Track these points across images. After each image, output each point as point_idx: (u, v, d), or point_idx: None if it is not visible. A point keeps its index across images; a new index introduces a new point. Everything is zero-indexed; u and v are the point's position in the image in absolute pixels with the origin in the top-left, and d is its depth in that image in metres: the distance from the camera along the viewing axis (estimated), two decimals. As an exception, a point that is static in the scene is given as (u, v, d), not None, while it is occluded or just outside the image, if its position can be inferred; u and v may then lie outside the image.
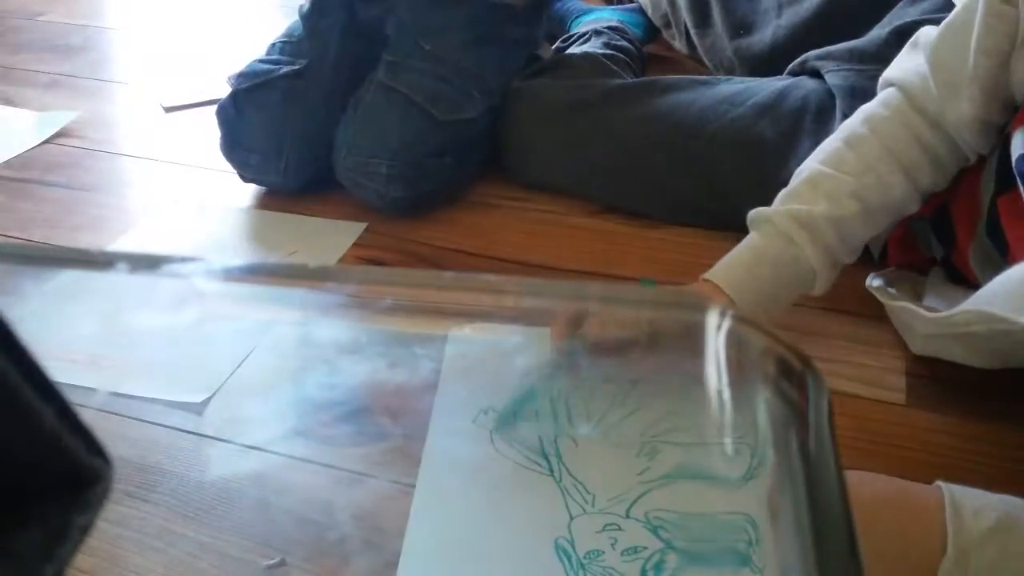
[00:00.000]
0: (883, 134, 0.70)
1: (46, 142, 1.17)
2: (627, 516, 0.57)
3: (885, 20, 0.94)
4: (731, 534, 0.54)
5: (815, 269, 0.69)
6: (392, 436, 0.63)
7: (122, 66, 1.48)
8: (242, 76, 1.01)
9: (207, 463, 0.66)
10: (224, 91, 1.03)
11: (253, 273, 0.30)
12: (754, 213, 0.71)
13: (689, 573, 0.54)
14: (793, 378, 0.24)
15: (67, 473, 0.21)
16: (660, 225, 0.95)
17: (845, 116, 0.79)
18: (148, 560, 0.58)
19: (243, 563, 0.57)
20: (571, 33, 1.28)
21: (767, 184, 0.75)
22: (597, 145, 0.97)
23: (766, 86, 0.96)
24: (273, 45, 1.04)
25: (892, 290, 0.77)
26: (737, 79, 1.02)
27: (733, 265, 0.69)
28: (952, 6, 0.71)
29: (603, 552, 0.55)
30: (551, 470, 0.61)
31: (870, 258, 0.81)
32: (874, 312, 0.78)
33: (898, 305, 0.72)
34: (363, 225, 0.96)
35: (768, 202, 0.71)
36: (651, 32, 1.31)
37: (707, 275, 0.69)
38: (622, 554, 0.55)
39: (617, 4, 1.37)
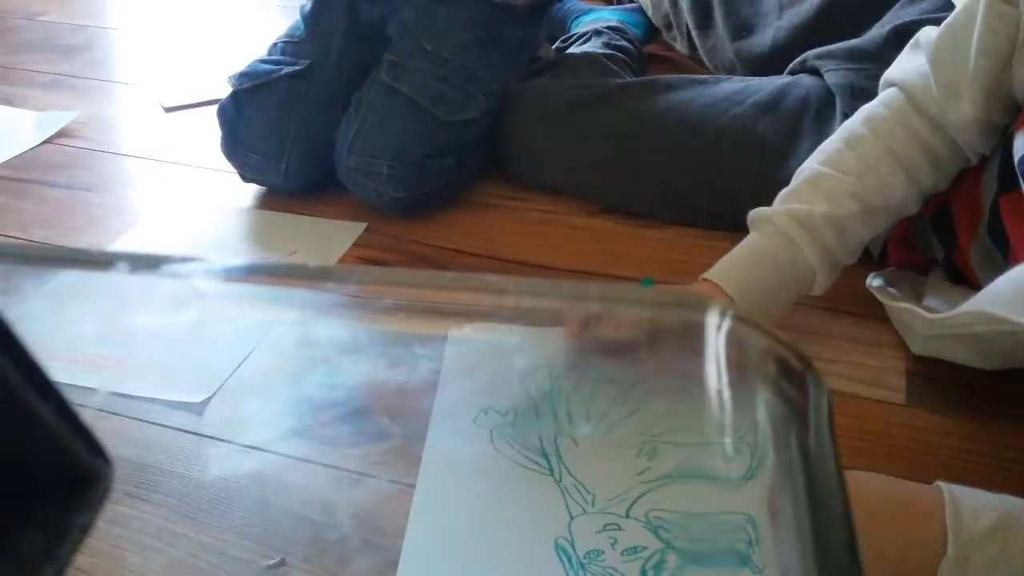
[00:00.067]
0: (884, 134, 0.70)
1: (46, 142, 1.17)
2: (627, 516, 0.57)
3: (884, 20, 0.94)
4: (731, 534, 0.54)
5: (815, 269, 0.69)
6: (392, 436, 0.63)
7: (122, 66, 1.48)
8: (243, 76, 1.01)
9: (207, 463, 0.65)
10: (225, 91, 1.03)
11: (253, 273, 0.30)
12: (754, 213, 0.71)
13: (689, 573, 0.54)
14: (793, 378, 0.24)
15: (67, 473, 0.21)
16: (660, 225, 0.95)
17: (845, 115, 0.79)
18: (148, 560, 0.58)
19: (243, 563, 0.57)
20: (571, 33, 1.28)
21: (767, 183, 0.76)
22: (597, 145, 0.97)
23: (766, 84, 0.96)
24: (275, 45, 1.04)
25: (892, 290, 0.77)
26: (737, 78, 1.02)
27: (733, 265, 0.69)
28: (951, 6, 0.71)
29: (603, 552, 0.55)
30: (551, 470, 0.61)
31: (870, 258, 0.81)
32: (874, 312, 0.78)
33: (898, 305, 0.72)
34: (363, 225, 0.96)
35: (768, 202, 0.71)
36: (651, 32, 1.31)
37: (707, 275, 0.69)
38: (622, 554, 0.55)
39: (617, 4, 1.37)
